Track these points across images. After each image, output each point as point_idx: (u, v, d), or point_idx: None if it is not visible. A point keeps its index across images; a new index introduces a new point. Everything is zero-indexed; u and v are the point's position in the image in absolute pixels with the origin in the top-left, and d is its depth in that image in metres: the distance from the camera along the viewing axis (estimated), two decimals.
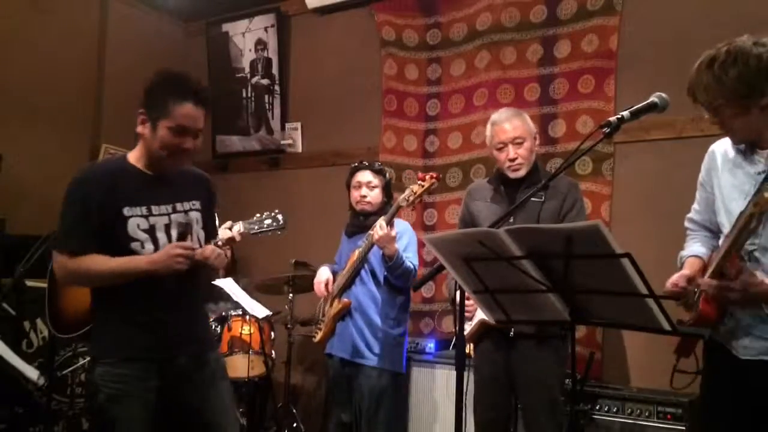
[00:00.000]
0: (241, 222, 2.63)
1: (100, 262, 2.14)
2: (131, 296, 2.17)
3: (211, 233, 2.41)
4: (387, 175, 3.36)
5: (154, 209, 2.22)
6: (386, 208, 3.24)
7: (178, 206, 2.28)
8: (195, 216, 2.31)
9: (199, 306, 2.41)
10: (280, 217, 2.71)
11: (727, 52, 1.86)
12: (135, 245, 2.17)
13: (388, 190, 3.35)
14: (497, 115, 2.96)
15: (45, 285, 3.21)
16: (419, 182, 2.97)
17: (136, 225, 2.17)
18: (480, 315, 2.78)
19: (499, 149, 2.89)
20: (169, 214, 2.25)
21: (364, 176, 3.30)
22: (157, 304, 2.20)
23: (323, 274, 3.39)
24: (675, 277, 2.07)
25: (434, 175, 2.95)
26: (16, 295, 3.52)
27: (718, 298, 1.88)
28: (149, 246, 2.19)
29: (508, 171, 2.89)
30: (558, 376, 2.80)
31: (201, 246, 2.31)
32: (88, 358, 3.85)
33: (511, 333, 2.78)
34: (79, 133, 4.89)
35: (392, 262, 3.05)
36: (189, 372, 2.24)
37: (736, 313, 1.95)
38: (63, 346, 3.86)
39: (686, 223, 2.29)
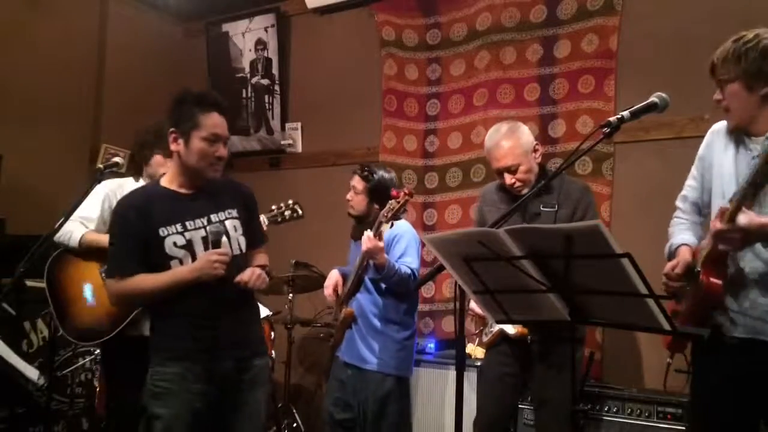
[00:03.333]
0: (263, 215, 2.93)
1: (147, 281, 2.28)
2: (182, 302, 2.27)
3: (253, 238, 2.48)
4: (375, 179, 3.23)
5: (189, 224, 2.32)
6: (374, 213, 3.21)
7: (213, 217, 2.36)
8: (232, 224, 2.39)
9: (248, 310, 2.47)
10: (297, 207, 3.14)
11: (757, 36, 1.96)
12: (174, 263, 2.29)
13: (375, 195, 3.22)
14: (489, 140, 2.87)
15: (45, 285, 3.20)
16: (395, 199, 2.95)
17: (172, 243, 2.29)
18: (498, 324, 2.79)
19: (498, 174, 2.86)
20: (204, 227, 2.33)
21: (353, 180, 3.29)
22: (206, 308, 2.28)
23: (332, 277, 3.36)
24: (674, 261, 2.08)
25: (407, 192, 2.92)
26: (16, 295, 3.51)
27: (726, 241, 1.90)
28: (188, 261, 2.30)
29: (511, 191, 2.86)
30: (571, 378, 2.80)
31: (242, 252, 2.40)
32: (88, 358, 3.87)
33: (529, 339, 2.78)
34: (79, 133, 4.89)
35: (383, 272, 3.01)
36: (232, 376, 2.32)
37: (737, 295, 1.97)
38: (63, 346, 3.86)
39: (678, 202, 2.29)
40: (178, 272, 2.27)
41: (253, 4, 5.15)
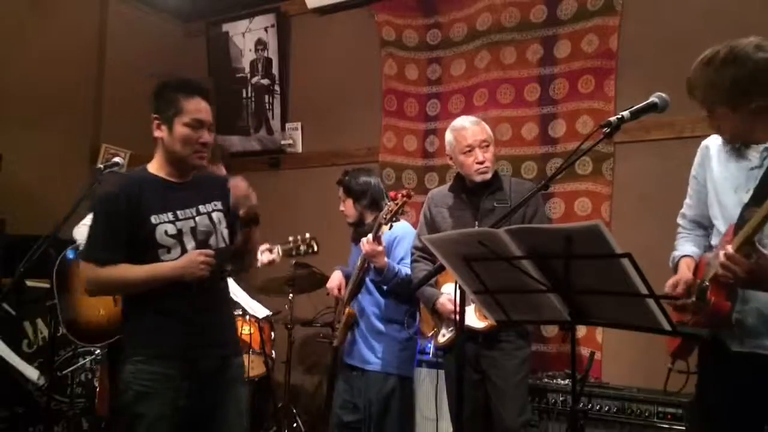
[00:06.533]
0: (279, 246, 3.03)
1: (127, 271, 2.22)
2: (163, 298, 2.23)
3: (235, 230, 2.48)
4: (348, 182, 3.28)
5: (180, 214, 2.30)
6: (369, 216, 3.23)
7: (201, 208, 2.35)
8: (218, 216, 2.39)
9: (227, 309, 2.46)
10: (314, 243, 3.13)
11: (727, 53, 1.89)
12: (161, 251, 2.24)
13: (359, 198, 3.27)
14: (458, 122, 3.03)
15: (45, 285, 3.20)
16: (393, 201, 2.99)
17: (164, 231, 2.25)
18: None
19: (466, 153, 2.93)
20: (193, 217, 2.32)
21: (339, 191, 3.33)
22: (188, 305, 2.25)
23: (335, 278, 3.40)
24: (674, 280, 2.07)
25: (405, 194, 2.99)
26: (16, 295, 3.51)
27: (733, 275, 1.82)
28: (176, 251, 2.26)
29: (476, 175, 2.93)
30: (520, 376, 2.88)
31: (226, 243, 2.39)
32: (88, 359, 3.87)
33: (480, 338, 2.87)
34: (79, 133, 4.90)
35: (382, 275, 3.06)
36: (213, 374, 2.29)
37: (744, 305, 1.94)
38: (63, 346, 3.86)
39: (678, 220, 2.28)
40: (159, 268, 2.22)
41: (253, 4, 5.15)
